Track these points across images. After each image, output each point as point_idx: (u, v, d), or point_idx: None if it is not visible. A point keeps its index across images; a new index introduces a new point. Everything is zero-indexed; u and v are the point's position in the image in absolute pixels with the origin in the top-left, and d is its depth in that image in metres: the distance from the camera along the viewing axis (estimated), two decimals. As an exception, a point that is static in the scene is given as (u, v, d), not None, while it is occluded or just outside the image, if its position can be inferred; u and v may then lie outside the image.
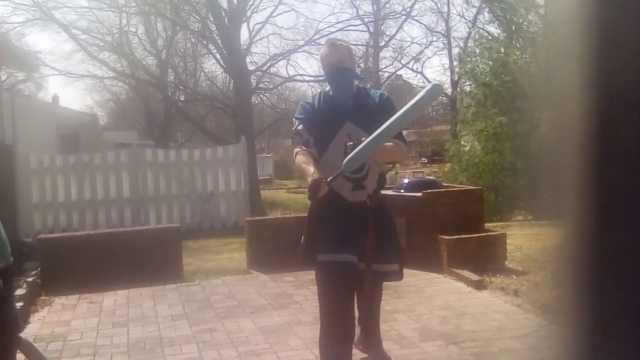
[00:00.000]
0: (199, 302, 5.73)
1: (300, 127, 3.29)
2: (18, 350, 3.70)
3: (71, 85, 78.34)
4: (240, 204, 11.53)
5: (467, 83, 17.39)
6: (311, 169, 3.08)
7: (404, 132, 3.47)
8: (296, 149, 3.26)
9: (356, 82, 3.47)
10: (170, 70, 27.65)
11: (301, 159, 3.20)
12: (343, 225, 3.26)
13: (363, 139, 3.10)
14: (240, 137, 12.45)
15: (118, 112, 35.65)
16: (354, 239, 3.26)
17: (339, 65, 3.33)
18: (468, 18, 27.78)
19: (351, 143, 3.18)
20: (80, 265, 6.40)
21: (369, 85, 3.75)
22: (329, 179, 3.01)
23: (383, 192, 3.58)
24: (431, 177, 9.52)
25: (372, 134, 3.05)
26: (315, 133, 3.26)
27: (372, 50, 27.75)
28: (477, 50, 15.52)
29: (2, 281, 3.27)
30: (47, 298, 6.09)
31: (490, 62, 14.62)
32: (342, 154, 3.14)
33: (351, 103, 3.34)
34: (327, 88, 3.48)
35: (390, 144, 3.14)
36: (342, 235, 3.25)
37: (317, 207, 3.31)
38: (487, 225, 7.59)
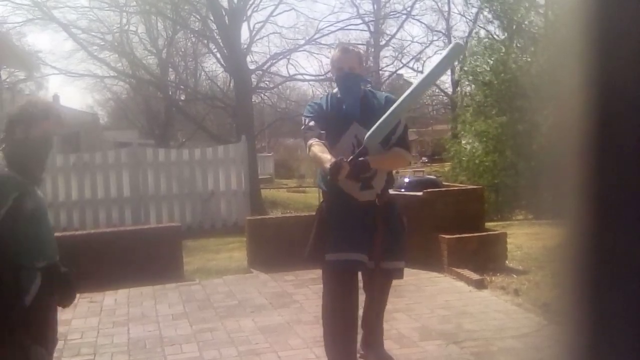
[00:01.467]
0: (199, 302, 5.73)
1: (312, 123, 3.38)
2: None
3: (71, 85, 78.42)
4: (240, 203, 11.53)
5: (467, 83, 17.36)
6: (328, 155, 3.15)
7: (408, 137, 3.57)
8: (310, 141, 3.32)
9: (363, 86, 3.55)
10: (170, 69, 27.69)
11: (317, 148, 3.26)
12: (352, 224, 3.31)
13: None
14: (241, 136, 12.46)
15: (119, 112, 35.66)
16: (364, 238, 3.28)
17: (348, 72, 3.41)
18: (469, 17, 27.78)
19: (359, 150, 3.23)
20: (80, 265, 6.39)
21: (369, 86, 3.80)
22: (349, 159, 3.07)
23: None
24: (432, 177, 9.53)
25: None
26: (325, 131, 3.34)
27: (373, 50, 27.75)
28: (481, 49, 15.49)
29: (41, 282, 2.84)
30: (47, 297, 6.08)
31: (491, 61, 14.61)
32: (350, 154, 3.21)
33: (359, 106, 3.42)
34: (335, 90, 3.54)
35: (390, 153, 3.30)
36: (352, 234, 3.29)
37: (326, 207, 3.35)
38: (488, 224, 7.59)
